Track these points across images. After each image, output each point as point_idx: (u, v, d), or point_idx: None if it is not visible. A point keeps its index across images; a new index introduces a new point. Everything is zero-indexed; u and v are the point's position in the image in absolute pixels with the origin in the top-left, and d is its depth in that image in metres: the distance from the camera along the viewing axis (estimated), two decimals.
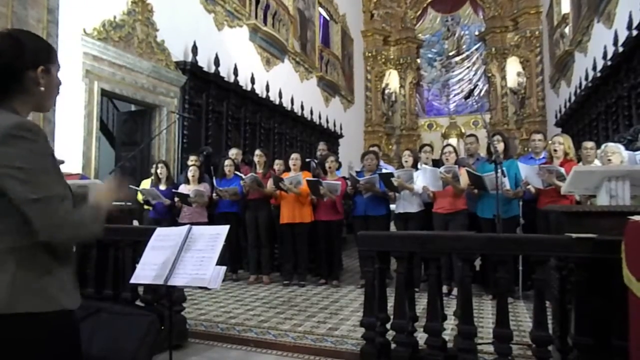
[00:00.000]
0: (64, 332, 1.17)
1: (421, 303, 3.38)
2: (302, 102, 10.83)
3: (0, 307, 1.06)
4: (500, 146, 4.47)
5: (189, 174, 5.42)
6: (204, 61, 7.32)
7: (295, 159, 5.28)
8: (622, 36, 6.70)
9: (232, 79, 7.98)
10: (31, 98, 1.20)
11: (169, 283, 2.06)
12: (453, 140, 13.51)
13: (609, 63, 7.32)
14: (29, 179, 1.07)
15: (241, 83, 8.23)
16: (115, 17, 5.82)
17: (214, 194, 5.30)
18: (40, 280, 1.12)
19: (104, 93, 5.78)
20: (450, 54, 15.67)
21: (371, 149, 5.95)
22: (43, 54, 1.22)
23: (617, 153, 3.47)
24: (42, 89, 1.20)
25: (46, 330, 1.11)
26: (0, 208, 1.09)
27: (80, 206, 1.22)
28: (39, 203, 1.07)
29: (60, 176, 1.16)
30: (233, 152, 6.07)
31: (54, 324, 1.13)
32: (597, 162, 3.94)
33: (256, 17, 9.04)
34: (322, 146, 6.65)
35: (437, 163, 5.11)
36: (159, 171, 5.43)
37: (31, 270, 1.11)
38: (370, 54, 15.63)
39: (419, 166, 5.01)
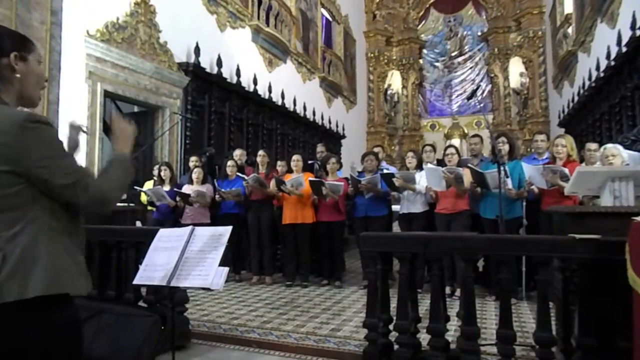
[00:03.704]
0: (77, 315, 1.22)
1: (424, 304, 3.37)
2: (304, 103, 10.84)
3: (38, 289, 1.08)
4: (505, 147, 4.46)
5: (193, 176, 5.43)
6: (207, 62, 7.33)
7: (296, 160, 5.28)
8: (626, 36, 6.68)
9: (234, 80, 8.00)
10: (11, 87, 1.21)
11: (172, 284, 2.06)
12: (456, 141, 13.49)
13: (612, 63, 7.30)
14: (55, 167, 1.13)
15: (243, 84, 8.25)
16: (118, 19, 5.84)
17: (217, 196, 5.30)
18: (67, 264, 1.16)
19: (107, 94, 5.80)
20: (453, 54, 15.66)
21: (374, 149, 5.95)
22: (14, 42, 1.22)
23: (617, 155, 3.45)
24: (18, 75, 1.21)
25: (69, 312, 1.17)
26: (28, 196, 1.12)
27: (105, 168, 1.28)
28: (74, 187, 1.15)
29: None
30: (237, 153, 6.07)
31: (73, 307, 1.18)
32: (599, 164, 3.92)
33: (258, 18, 9.06)
34: (320, 147, 6.63)
35: (440, 163, 5.11)
36: (162, 173, 5.43)
37: (60, 254, 1.15)
38: (372, 55, 15.63)
39: (423, 166, 5.00)
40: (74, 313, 1.21)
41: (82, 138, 1.51)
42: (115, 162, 1.29)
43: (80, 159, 5.20)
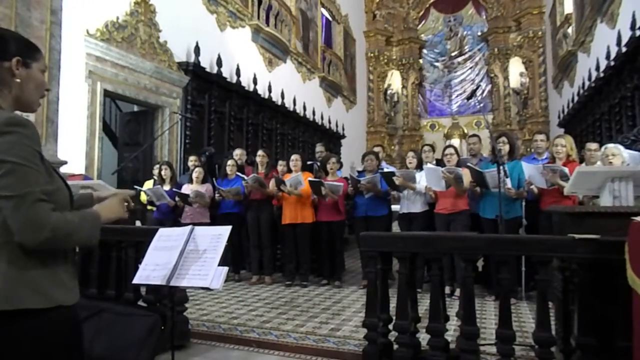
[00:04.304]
0: (61, 329, 1.15)
1: (424, 304, 3.37)
2: (304, 103, 10.84)
3: None
4: (506, 147, 4.46)
5: (194, 175, 5.43)
6: (207, 62, 7.33)
7: (295, 159, 5.28)
8: (626, 36, 6.68)
9: (234, 80, 8.00)
10: (8, 90, 1.19)
11: (172, 283, 2.06)
12: (455, 141, 13.49)
13: (612, 63, 7.30)
14: (6, 173, 1.05)
15: (243, 84, 8.24)
16: (118, 18, 5.84)
17: (217, 194, 5.30)
18: (34, 276, 1.10)
19: (106, 94, 5.80)
20: (453, 54, 15.66)
21: (375, 149, 5.94)
22: (19, 47, 1.21)
23: (617, 154, 3.45)
24: (18, 80, 1.19)
25: (41, 327, 1.10)
26: None
27: (78, 211, 1.21)
28: (12, 200, 1.05)
29: (46, 176, 1.14)
30: (237, 153, 6.07)
31: (49, 321, 1.12)
32: (599, 164, 3.92)
33: (258, 18, 9.06)
34: (319, 147, 6.63)
35: (440, 163, 5.11)
36: (162, 172, 5.44)
37: (25, 266, 1.10)
38: (372, 55, 15.63)
39: (423, 166, 5.00)
40: (74, 313, 1.19)
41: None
42: (88, 216, 1.20)
43: (80, 161, 5.20)
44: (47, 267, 1.13)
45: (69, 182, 1.29)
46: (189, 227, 2.23)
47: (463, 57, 15.54)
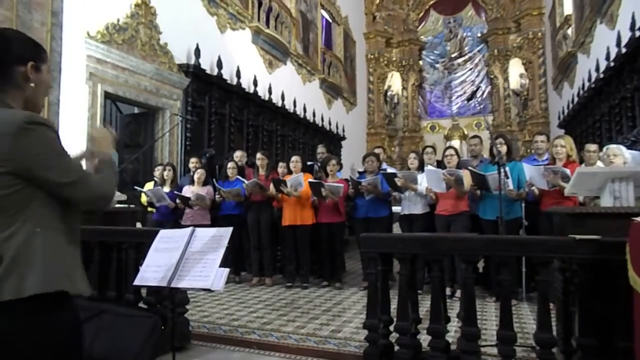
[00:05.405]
0: (65, 328, 1.20)
1: (424, 305, 3.37)
2: (304, 104, 10.85)
3: (35, 288, 1.08)
4: (503, 149, 4.46)
5: (195, 176, 5.43)
6: (207, 64, 7.34)
7: (295, 161, 5.28)
8: (625, 37, 6.69)
9: (234, 82, 8.01)
10: (21, 94, 1.22)
11: (172, 285, 2.06)
12: (456, 142, 13.49)
13: (611, 64, 7.31)
14: (58, 165, 1.15)
15: (244, 85, 8.26)
16: (118, 20, 5.85)
17: (217, 196, 5.31)
18: (65, 263, 1.18)
19: (107, 95, 5.80)
20: (453, 55, 15.68)
21: (375, 150, 5.94)
22: (31, 51, 1.24)
23: (619, 155, 3.46)
24: (32, 84, 1.23)
25: (70, 313, 1.18)
26: (26, 196, 1.13)
27: (98, 169, 1.35)
28: (74, 185, 1.18)
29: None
30: (238, 155, 6.07)
31: (73, 308, 1.20)
32: (599, 164, 3.92)
33: (258, 20, 9.07)
34: (321, 149, 6.64)
35: (440, 164, 5.11)
36: (165, 173, 5.44)
37: (57, 253, 1.16)
38: (372, 56, 15.65)
39: (424, 168, 5.00)
40: (75, 314, 1.21)
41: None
42: (105, 164, 1.35)
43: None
44: (71, 253, 1.22)
45: None
46: (190, 228, 2.24)
47: (463, 58, 15.56)
